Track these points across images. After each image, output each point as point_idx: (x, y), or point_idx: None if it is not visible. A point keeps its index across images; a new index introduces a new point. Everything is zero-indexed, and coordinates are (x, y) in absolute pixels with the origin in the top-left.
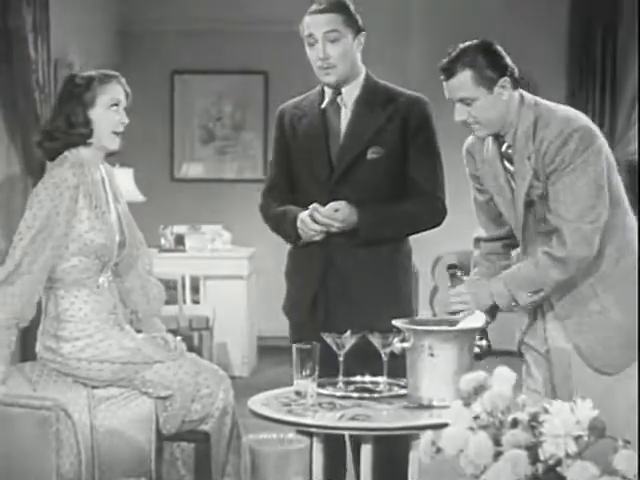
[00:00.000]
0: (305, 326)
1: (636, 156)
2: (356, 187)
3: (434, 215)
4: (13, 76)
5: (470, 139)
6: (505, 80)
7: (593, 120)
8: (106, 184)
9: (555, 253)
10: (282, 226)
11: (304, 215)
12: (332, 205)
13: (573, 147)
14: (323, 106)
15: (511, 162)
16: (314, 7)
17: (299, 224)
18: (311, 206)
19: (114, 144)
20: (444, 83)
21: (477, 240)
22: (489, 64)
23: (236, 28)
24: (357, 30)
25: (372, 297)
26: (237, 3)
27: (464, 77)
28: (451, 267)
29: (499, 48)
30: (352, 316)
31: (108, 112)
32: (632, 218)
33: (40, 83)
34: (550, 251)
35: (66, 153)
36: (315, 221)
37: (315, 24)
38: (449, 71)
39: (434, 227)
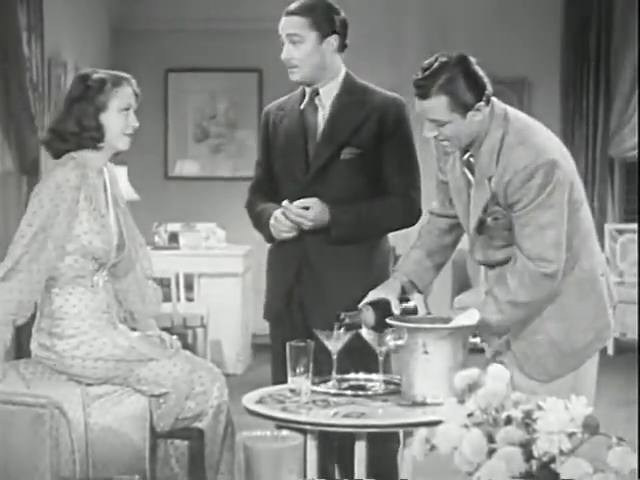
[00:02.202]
0: (281, 323)
1: (633, 153)
2: (331, 186)
3: (407, 215)
4: (7, 75)
5: None
6: (480, 105)
7: (587, 118)
8: (107, 188)
9: (518, 298)
10: (261, 224)
11: (277, 212)
12: (302, 202)
13: (538, 182)
14: (302, 107)
15: (472, 172)
16: (288, 8)
17: (272, 221)
18: (283, 203)
19: (124, 144)
20: (415, 97)
21: (430, 213)
22: (466, 88)
23: (230, 26)
24: (328, 32)
25: (346, 295)
26: (231, 1)
27: (439, 102)
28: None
29: (476, 67)
30: (327, 313)
31: (119, 116)
32: (596, 246)
33: (34, 82)
34: (512, 299)
35: (73, 153)
36: (287, 218)
37: (283, 26)
38: (424, 92)
39: (407, 227)
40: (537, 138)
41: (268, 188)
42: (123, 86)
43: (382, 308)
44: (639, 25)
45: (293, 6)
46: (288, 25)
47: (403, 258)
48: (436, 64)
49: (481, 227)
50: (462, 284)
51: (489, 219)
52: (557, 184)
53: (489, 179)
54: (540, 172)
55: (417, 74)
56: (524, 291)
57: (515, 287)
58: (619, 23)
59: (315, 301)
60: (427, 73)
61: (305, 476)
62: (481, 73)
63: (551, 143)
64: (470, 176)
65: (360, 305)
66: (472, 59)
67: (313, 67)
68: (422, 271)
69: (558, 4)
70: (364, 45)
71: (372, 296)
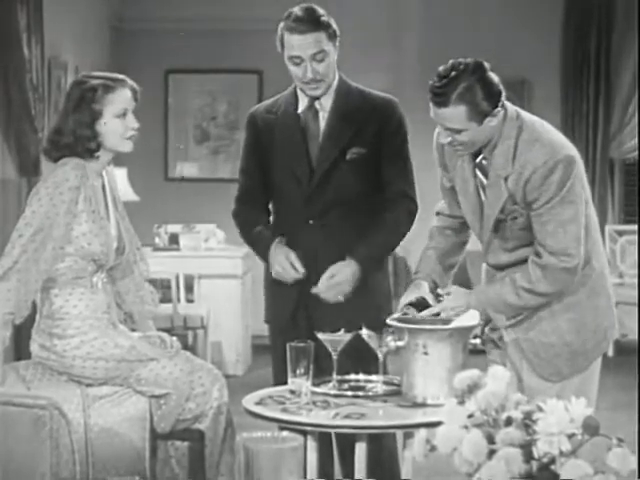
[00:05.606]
0: (287, 330)
1: (633, 154)
2: (336, 188)
3: (412, 217)
4: (7, 76)
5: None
6: (497, 111)
7: (587, 119)
8: (107, 191)
9: (537, 289)
10: (255, 247)
11: (284, 263)
12: (328, 273)
13: (558, 177)
14: (300, 111)
15: (484, 174)
16: (295, 25)
17: (279, 269)
18: (314, 290)
19: (127, 147)
20: (431, 103)
21: (437, 213)
22: (483, 97)
23: (230, 27)
24: (335, 39)
25: (352, 298)
26: (231, 2)
27: (458, 112)
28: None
29: (491, 73)
30: (333, 318)
31: (116, 122)
32: (602, 245)
33: (34, 83)
34: (532, 287)
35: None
36: (294, 268)
37: (300, 46)
38: (442, 100)
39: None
40: (551, 135)
41: (258, 196)
42: (116, 91)
43: (421, 307)
44: (639, 25)
45: (304, 23)
46: (311, 44)
47: (421, 260)
48: (453, 72)
49: (497, 228)
50: (462, 285)
51: (508, 218)
52: (576, 179)
53: (505, 179)
54: (559, 167)
55: (434, 80)
56: (545, 283)
57: (537, 278)
58: (619, 23)
59: (322, 306)
60: (445, 81)
61: (305, 477)
62: (496, 80)
63: (564, 140)
64: (482, 178)
65: (400, 307)
66: (487, 65)
67: (332, 77)
68: (442, 270)
69: (558, 4)
70: (363, 46)
71: (406, 299)
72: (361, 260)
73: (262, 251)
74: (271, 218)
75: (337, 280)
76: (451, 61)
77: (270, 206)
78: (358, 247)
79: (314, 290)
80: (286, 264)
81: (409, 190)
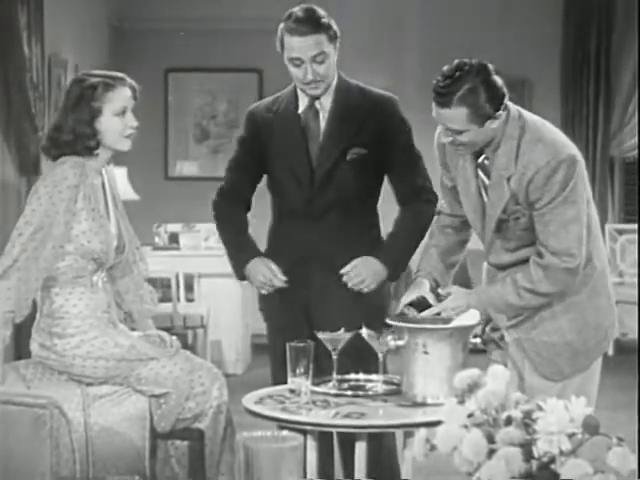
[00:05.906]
0: (286, 329)
1: (633, 153)
2: (336, 188)
3: (432, 208)
4: (7, 75)
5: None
6: (499, 114)
7: (587, 119)
8: (106, 189)
9: (539, 289)
10: (231, 254)
11: (267, 272)
12: (355, 261)
13: (560, 177)
14: (301, 111)
15: (486, 174)
16: (295, 26)
17: (261, 279)
18: (280, 277)
19: (125, 146)
20: (433, 103)
21: (438, 212)
22: (486, 100)
23: (230, 26)
24: (336, 40)
25: (352, 297)
26: (232, 2)
27: (459, 112)
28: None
29: (496, 76)
30: (333, 317)
31: (115, 119)
32: (602, 244)
33: (34, 81)
34: (533, 287)
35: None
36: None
37: (301, 48)
38: (444, 101)
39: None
40: (554, 135)
41: (243, 193)
42: (116, 89)
43: (422, 306)
44: (639, 25)
45: (305, 25)
46: (311, 46)
47: (422, 258)
48: (457, 73)
49: (499, 228)
50: (463, 285)
51: (510, 218)
52: (578, 179)
53: (508, 179)
54: (562, 167)
55: (438, 80)
56: (546, 283)
57: (539, 278)
58: (619, 23)
59: (323, 302)
60: (449, 81)
61: (305, 476)
62: (500, 83)
63: (566, 139)
64: (484, 178)
65: (400, 308)
66: (492, 67)
67: (332, 76)
68: (444, 269)
69: (558, 4)
70: (363, 47)
71: (407, 298)
72: (385, 258)
73: (238, 262)
74: (270, 218)
75: (358, 269)
76: (456, 61)
77: (252, 203)
78: (381, 246)
79: (342, 270)
80: (268, 273)
81: (423, 182)
